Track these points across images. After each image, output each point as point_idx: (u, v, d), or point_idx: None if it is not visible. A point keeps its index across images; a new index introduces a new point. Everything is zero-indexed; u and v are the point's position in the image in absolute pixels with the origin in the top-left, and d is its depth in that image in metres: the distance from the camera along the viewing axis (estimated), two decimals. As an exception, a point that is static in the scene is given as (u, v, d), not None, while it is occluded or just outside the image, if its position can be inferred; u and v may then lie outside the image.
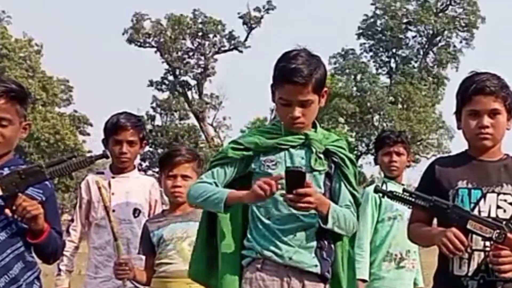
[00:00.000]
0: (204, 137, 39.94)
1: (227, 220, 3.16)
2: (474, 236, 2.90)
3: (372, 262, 4.68)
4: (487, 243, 2.91)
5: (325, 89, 3.13)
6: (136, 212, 4.25)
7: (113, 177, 4.26)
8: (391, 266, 4.70)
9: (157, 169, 19.30)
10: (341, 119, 36.86)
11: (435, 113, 38.03)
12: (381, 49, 39.41)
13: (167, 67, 39.53)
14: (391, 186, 4.49)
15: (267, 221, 3.06)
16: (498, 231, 2.84)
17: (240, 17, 39.46)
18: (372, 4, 39.16)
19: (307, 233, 3.05)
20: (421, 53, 39.24)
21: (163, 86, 40.16)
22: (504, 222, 2.87)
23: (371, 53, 39.55)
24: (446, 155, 11.50)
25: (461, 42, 39.21)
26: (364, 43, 39.65)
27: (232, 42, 40.01)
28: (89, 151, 36.15)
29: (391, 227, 4.70)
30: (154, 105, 40.69)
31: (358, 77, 38.19)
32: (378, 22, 39.36)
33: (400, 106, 37.31)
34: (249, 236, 3.10)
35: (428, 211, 2.97)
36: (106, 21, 70.35)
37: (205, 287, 3.30)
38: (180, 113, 40.97)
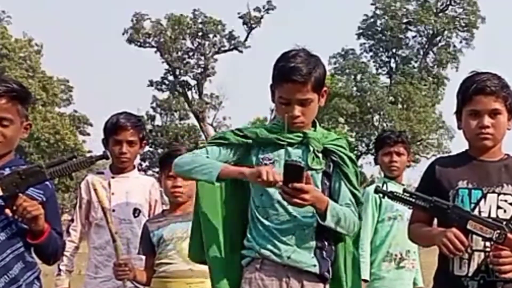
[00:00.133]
0: (204, 137, 39.90)
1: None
2: (474, 236, 2.90)
3: (372, 262, 4.68)
4: (487, 244, 2.91)
5: (325, 88, 3.13)
6: (136, 212, 4.25)
7: (113, 177, 4.26)
8: (391, 266, 4.70)
9: (157, 169, 19.35)
10: (341, 119, 36.86)
11: (435, 113, 38.04)
12: (381, 49, 39.42)
13: (167, 67, 39.55)
14: (391, 186, 4.49)
15: (266, 221, 3.05)
16: (498, 231, 2.84)
17: (240, 17, 39.49)
18: (372, 4, 39.20)
19: (305, 233, 3.04)
20: (421, 53, 39.25)
21: (163, 86, 40.17)
22: (504, 223, 2.87)
23: (371, 53, 39.57)
24: (446, 155, 11.50)
25: (461, 42, 39.26)
26: (364, 43, 39.69)
27: (232, 42, 40.02)
28: (89, 151, 36.20)
29: (391, 227, 4.70)
30: (154, 105, 40.75)
31: (358, 77, 38.20)
32: (378, 22, 39.36)
33: (400, 106, 37.31)
34: (248, 235, 3.10)
35: (428, 212, 2.97)
36: (106, 21, 70.40)
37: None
38: (180, 113, 40.99)
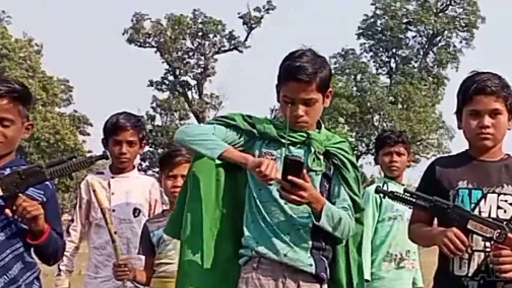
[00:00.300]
0: (204, 137, 39.88)
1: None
2: (474, 236, 2.90)
3: (372, 262, 4.68)
4: (487, 244, 2.91)
5: (330, 89, 3.13)
6: (136, 211, 4.25)
7: (112, 177, 4.26)
8: (391, 266, 4.70)
9: (157, 169, 19.34)
10: (341, 119, 36.86)
11: (435, 113, 38.06)
12: (381, 49, 39.45)
13: (167, 67, 39.58)
14: (392, 186, 4.49)
15: (262, 220, 3.05)
16: (498, 230, 2.84)
17: (240, 17, 39.52)
18: (372, 4, 39.24)
19: (300, 233, 3.04)
20: (421, 53, 39.27)
21: (163, 86, 40.20)
22: (504, 223, 2.87)
23: (371, 53, 39.60)
24: (446, 155, 11.50)
25: (461, 42, 39.31)
26: (364, 43, 39.73)
27: (232, 42, 40.04)
28: (89, 151, 36.19)
29: (391, 227, 4.70)
30: (154, 105, 40.74)
31: (358, 77, 38.23)
32: (378, 22, 39.39)
33: (400, 106, 37.33)
34: (246, 233, 3.09)
35: (428, 211, 2.97)
36: (106, 21, 70.37)
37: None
38: (180, 113, 40.98)
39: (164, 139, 39.16)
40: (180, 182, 3.87)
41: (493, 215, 2.94)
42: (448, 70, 39.12)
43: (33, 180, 2.80)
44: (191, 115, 40.51)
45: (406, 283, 4.79)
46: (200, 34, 39.54)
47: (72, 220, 4.34)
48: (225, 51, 40.21)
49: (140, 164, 36.61)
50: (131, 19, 38.81)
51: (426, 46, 39.18)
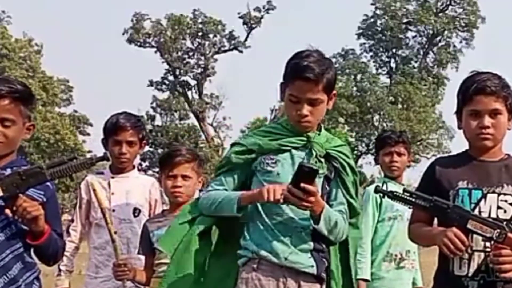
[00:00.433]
0: (204, 137, 39.94)
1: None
2: (474, 236, 2.90)
3: (372, 262, 4.68)
4: (487, 244, 2.91)
5: (334, 92, 3.14)
6: (136, 211, 4.25)
7: (112, 177, 4.26)
8: (391, 266, 4.70)
9: (157, 169, 19.33)
10: (341, 119, 36.87)
11: (435, 113, 38.06)
12: (381, 49, 39.44)
13: (167, 67, 39.56)
14: (392, 186, 4.49)
15: (263, 222, 3.06)
16: (498, 230, 2.84)
17: (240, 17, 39.51)
18: (372, 4, 39.23)
19: (301, 235, 3.05)
20: (421, 53, 39.27)
21: (163, 86, 40.18)
22: (504, 223, 2.87)
23: (371, 53, 39.60)
24: (446, 155, 11.49)
25: (461, 42, 39.30)
26: (364, 43, 39.73)
27: (232, 42, 40.03)
28: (89, 151, 36.19)
29: (391, 227, 4.70)
30: (154, 105, 40.72)
31: (358, 77, 38.22)
32: (378, 22, 39.39)
33: (400, 106, 37.32)
34: (246, 235, 3.10)
35: (428, 211, 2.97)
36: (106, 21, 70.32)
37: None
38: (180, 113, 40.96)
39: (164, 139, 39.16)
40: (180, 182, 3.88)
41: (493, 215, 2.94)
42: (448, 70, 39.19)
43: (33, 181, 2.80)
44: (191, 115, 40.51)
45: (406, 283, 4.79)
46: (200, 34, 39.52)
47: (72, 220, 4.34)
48: (225, 51, 40.20)
49: (140, 164, 36.61)
50: (131, 19, 38.84)
51: (426, 46, 39.17)
